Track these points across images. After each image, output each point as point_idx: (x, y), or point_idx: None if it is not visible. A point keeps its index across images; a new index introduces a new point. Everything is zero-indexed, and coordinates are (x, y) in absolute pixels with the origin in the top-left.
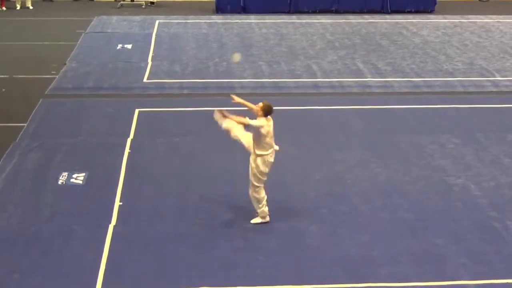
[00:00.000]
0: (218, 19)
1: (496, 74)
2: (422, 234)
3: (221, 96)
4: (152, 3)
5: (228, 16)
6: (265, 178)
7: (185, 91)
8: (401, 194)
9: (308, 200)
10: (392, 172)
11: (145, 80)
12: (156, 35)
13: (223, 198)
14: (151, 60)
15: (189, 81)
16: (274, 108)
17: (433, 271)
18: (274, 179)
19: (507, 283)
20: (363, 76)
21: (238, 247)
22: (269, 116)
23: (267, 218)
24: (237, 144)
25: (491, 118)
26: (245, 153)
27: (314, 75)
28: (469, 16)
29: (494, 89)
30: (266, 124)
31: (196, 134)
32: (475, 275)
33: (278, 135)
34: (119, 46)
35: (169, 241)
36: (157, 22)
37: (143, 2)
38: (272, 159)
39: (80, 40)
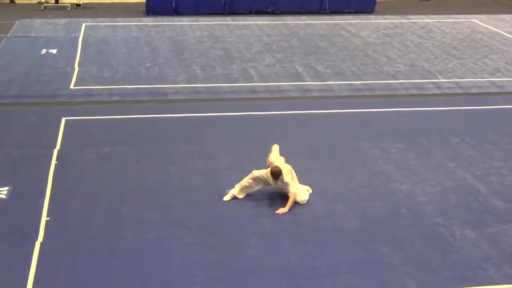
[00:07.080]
0: (148, 21)
1: (439, 76)
2: (367, 242)
3: (153, 103)
4: (78, 5)
5: (159, 18)
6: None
7: (114, 98)
8: (344, 202)
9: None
10: (333, 179)
11: (72, 86)
12: (83, 39)
13: (157, 210)
14: (78, 66)
15: (119, 87)
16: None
17: (378, 280)
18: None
19: None
20: (302, 79)
21: (174, 262)
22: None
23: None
24: (171, 155)
25: (434, 121)
26: (179, 164)
27: (251, 79)
28: (410, 16)
29: (437, 91)
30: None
31: (127, 144)
32: (421, 284)
33: (219, 142)
34: (44, 51)
35: (100, 257)
36: (83, 25)
37: (69, 4)
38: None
39: (1, 45)
